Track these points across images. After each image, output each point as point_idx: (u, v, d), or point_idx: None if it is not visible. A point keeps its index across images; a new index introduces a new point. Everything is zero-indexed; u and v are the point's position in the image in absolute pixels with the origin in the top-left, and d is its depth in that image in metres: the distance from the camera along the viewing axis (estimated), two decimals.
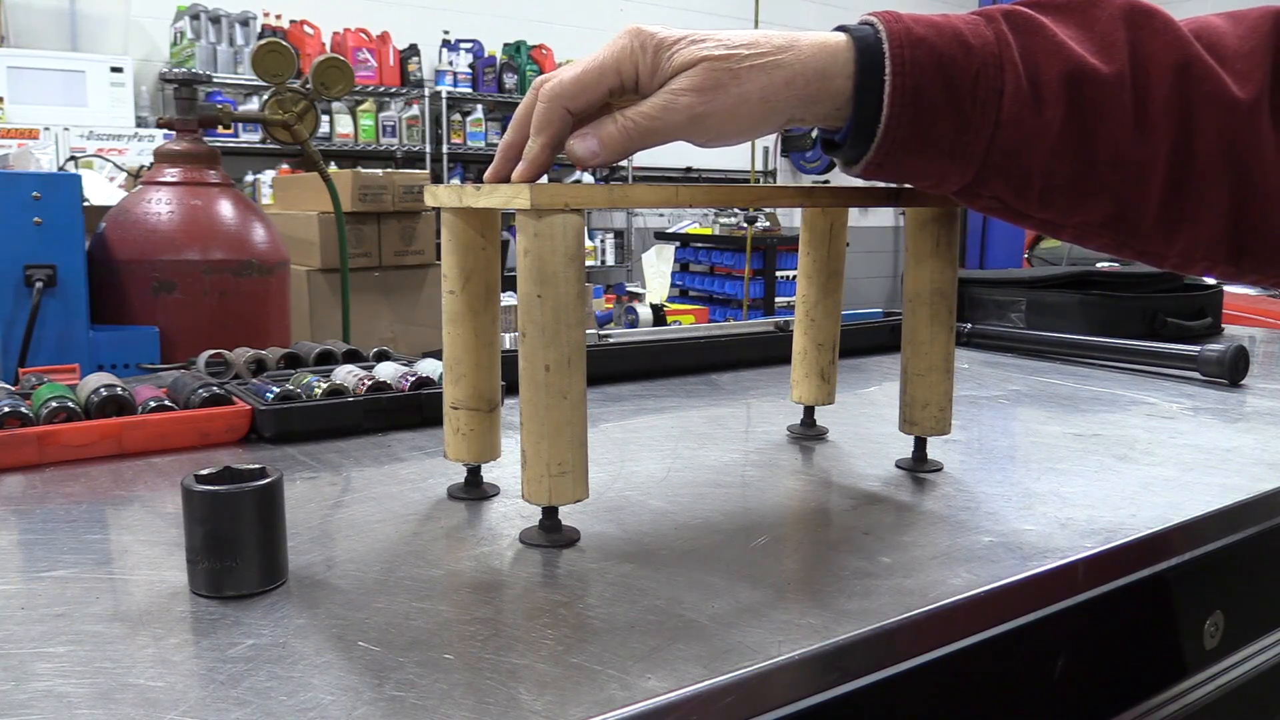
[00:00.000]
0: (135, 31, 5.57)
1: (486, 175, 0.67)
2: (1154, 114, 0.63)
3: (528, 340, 0.64)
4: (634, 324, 4.66)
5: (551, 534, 0.68)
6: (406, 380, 1.04)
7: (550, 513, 0.69)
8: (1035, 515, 0.75)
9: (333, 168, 3.17)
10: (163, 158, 1.54)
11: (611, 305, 5.17)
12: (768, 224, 6.50)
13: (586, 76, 0.62)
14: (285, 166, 5.94)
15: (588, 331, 1.24)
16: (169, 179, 1.51)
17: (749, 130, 0.62)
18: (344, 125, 6.26)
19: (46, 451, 0.87)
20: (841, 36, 0.62)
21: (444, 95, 6.54)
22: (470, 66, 6.69)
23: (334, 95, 1.64)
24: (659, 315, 4.80)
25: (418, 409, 1.02)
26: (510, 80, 6.81)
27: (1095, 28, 0.64)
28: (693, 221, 7.21)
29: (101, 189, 2.13)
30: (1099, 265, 2.59)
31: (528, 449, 0.65)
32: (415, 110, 6.50)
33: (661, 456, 0.92)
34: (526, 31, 7.01)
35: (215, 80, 5.62)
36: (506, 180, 0.65)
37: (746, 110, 0.61)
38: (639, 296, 5.51)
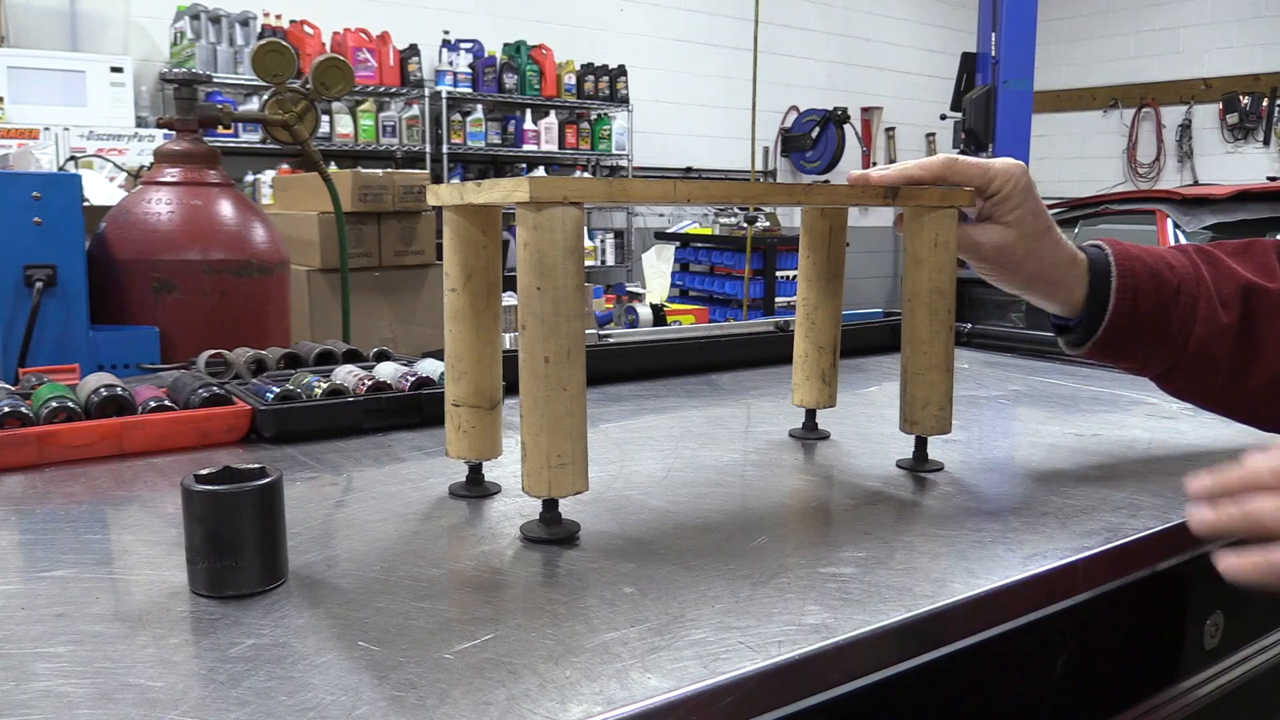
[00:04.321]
0: (135, 31, 5.57)
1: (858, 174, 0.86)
2: None
3: (527, 332, 0.64)
4: (634, 324, 4.66)
5: (551, 527, 0.68)
6: (406, 380, 1.04)
7: (550, 505, 0.69)
8: (1035, 515, 0.75)
9: (333, 168, 3.17)
10: (163, 158, 1.54)
11: (611, 305, 5.17)
12: (768, 224, 6.49)
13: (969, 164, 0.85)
14: (285, 166, 5.93)
15: (588, 331, 1.24)
16: (169, 179, 1.51)
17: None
18: (344, 125, 6.25)
19: (46, 451, 0.87)
20: (1080, 254, 0.85)
21: (444, 95, 6.54)
22: (470, 66, 6.67)
23: (334, 95, 1.64)
24: (659, 315, 4.80)
25: (418, 409, 1.02)
26: (510, 80, 6.80)
27: (1256, 260, 0.90)
28: (693, 221, 7.20)
29: (101, 189, 2.14)
30: None
31: (527, 441, 0.65)
32: (415, 110, 6.49)
33: (661, 456, 0.92)
34: (526, 31, 7.01)
35: (215, 80, 5.61)
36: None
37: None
38: (639, 296, 5.51)
